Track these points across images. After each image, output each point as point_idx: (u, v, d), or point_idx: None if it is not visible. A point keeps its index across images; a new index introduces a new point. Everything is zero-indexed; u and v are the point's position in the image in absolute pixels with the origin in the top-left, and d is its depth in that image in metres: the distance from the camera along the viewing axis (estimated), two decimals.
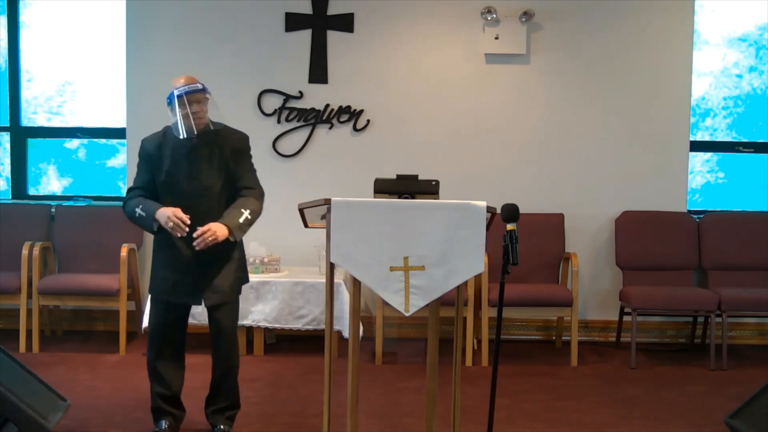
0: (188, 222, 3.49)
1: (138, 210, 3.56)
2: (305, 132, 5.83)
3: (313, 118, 5.81)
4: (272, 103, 5.82)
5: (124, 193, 5.94)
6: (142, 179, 3.67)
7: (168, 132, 3.65)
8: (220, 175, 3.62)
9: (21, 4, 6.04)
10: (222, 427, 3.74)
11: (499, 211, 3.11)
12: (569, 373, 5.08)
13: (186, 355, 5.20)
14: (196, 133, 3.56)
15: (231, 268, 3.69)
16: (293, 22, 5.79)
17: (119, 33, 5.88)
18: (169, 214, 3.47)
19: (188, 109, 3.51)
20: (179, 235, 3.50)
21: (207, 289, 3.63)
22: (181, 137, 3.54)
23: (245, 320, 5.20)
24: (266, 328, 5.33)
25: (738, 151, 6.03)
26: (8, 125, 6.08)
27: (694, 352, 5.59)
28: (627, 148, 5.82)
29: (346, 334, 4.95)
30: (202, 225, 3.54)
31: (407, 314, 3.04)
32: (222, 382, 3.77)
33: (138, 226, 3.68)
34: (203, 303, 3.66)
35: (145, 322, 5.13)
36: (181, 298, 3.66)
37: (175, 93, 3.52)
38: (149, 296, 3.76)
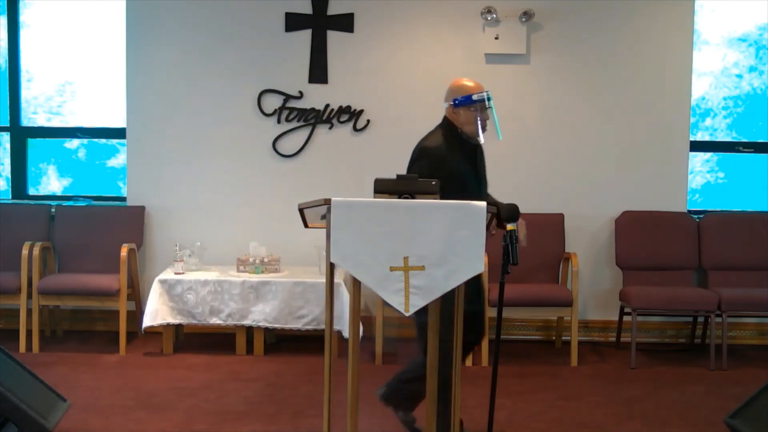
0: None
1: None
2: (305, 132, 5.82)
3: (313, 118, 5.81)
4: (272, 103, 5.82)
5: (123, 193, 5.97)
6: None
7: (447, 135, 3.66)
8: None
9: (21, 4, 6.04)
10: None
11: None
12: (569, 373, 5.08)
13: (186, 355, 5.28)
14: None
15: None
16: (293, 22, 5.79)
17: (119, 33, 5.88)
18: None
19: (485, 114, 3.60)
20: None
21: None
22: (482, 141, 3.65)
23: (245, 320, 5.20)
24: (266, 328, 5.32)
25: (738, 151, 6.03)
26: (8, 125, 6.07)
27: (694, 352, 5.59)
28: (627, 148, 5.82)
29: (346, 334, 4.94)
30: None
31: (407, 314, 3.03)
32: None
33: None
34: None
35: (145, 322, 5.14)
36: None
37: (474, 98, 3.59)
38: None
